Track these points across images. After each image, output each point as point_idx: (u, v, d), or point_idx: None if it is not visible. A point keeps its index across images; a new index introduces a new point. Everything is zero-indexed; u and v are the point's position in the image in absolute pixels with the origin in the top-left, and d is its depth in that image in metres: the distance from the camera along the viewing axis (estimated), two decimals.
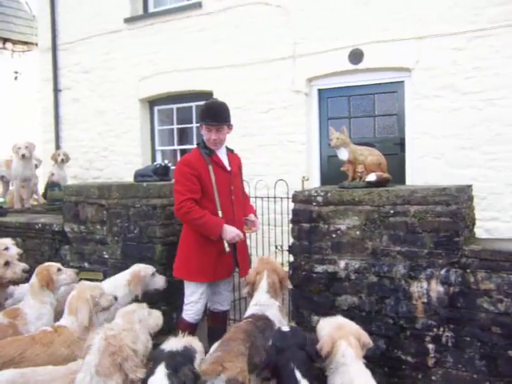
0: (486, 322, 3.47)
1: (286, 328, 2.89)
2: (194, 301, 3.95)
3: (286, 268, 3.82)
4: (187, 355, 2.53)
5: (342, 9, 6.26)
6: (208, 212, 3.79)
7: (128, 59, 8.19)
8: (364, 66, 6.21)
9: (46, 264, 4.26)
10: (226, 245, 3.82)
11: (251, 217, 4.22)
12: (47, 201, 7.63)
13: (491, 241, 4.07)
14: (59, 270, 4.21)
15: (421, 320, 3.68)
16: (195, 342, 2.73)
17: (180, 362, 2.42)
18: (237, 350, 2.91)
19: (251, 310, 3.47)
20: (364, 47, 6.16)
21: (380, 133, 6.43)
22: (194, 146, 7.69)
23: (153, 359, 2.55)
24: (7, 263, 4.27)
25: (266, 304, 3.43)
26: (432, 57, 5.75)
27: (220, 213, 3.88)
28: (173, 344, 2.60)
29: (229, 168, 4.03)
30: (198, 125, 4.06)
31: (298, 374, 2.61)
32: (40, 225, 6.17)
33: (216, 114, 3.89)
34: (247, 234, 4.26)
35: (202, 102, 7.61)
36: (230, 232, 3.78)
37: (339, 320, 3.06)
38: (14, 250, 4.53)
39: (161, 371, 2.38)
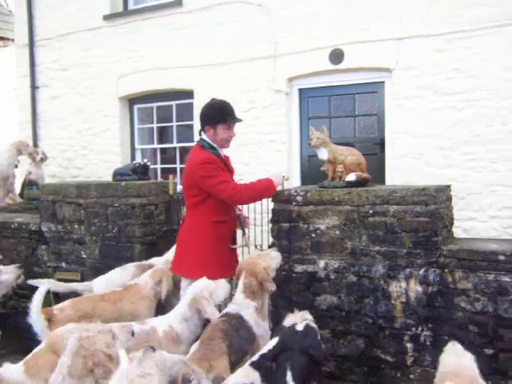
0: (463, 320, 3.51)
1: (300, 326, 2.87)
2: None
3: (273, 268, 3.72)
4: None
5: (323, 8, 6.26)
6: (253, 181, 3.89)
7: (108, 57, 8.08)
8: (344, 66, 6.21)
9: None
10: (242, 239, 4.07)
11: (243, 214, 4.26)
12: (24, 200, 7.50)
13: (469, 241, 4.11)
14: None
15: (399, 319, 3.70)
16: (309, 317, 3.10)
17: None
18: (219, 349, 2.96)
19: (227, 308, 3.47)
20: (345, 47, 6.16)
21: (360, 133, 6.44)
22: (175, 144, 7.78)
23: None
24: None
25: (241, 304, 3.41)
26: (412, 57, 5.78)
27: (231, 210, 3.96)
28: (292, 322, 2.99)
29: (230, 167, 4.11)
30: (203, 127, 4.01)
31: (288, 376, 2.63)
32: (16, 224, 6.07)
33: (234, 111, 3.99)
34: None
35: (182, 101, 7.66)
36: (276, 176, 3.96)
37: (461, 362, 2.63)
38: None
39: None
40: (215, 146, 3.94)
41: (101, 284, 4.34)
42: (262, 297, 3.52)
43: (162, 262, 4.50)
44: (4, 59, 11.99)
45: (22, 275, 4.45)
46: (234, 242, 4.10)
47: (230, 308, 3.44)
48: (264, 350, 2.87)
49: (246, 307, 3.39)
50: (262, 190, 3.87)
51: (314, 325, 2.98)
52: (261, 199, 3.97)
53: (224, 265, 3.90)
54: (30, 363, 2.75)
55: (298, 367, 2.68)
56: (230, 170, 4.09)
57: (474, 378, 2.50)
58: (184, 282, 3.95)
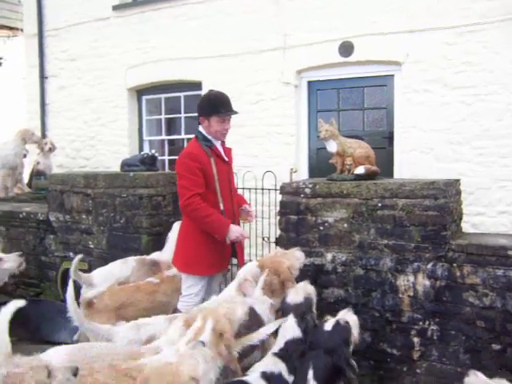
0: (471, 315, 3.50)
1: (329, 325, 2.82)
2: (194, 293, 3.86)
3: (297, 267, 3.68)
4: (308, 304, 3.11)
5: (333, 1, 6.22)
6: (215, 211, 3.75)
7: (116, 47, 8.07)
8: (354, 58, 6.17)
9: None
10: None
11: (246, 207, 4.20)
12: (32, 190, 7.54)
13: (477, 235, 4.09)
14: (0, 260, 4.29)
15: (407, 313, 3.69)
16: (310, 289, 3.23)
17: (303, 311, 3.04)
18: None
19: None
20: (354, 40, 6.12)
21: (369, 126, 6.41)
22: (183, 136, 7.78)
23: (282, 311, 3.18)
24: None
25: (258, 299, 3.39)
26: (422, 51, 5.73)
27: (221, 205, 3.85)
28: (296, 297, 3.12)
29: (226, 159, 4.01)
30: (199, 117, 3.91)
31: (309, 374, 2.63)
32: (24, 213, 6.10)
33: (229, 104, 3.89)
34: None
35: (190, 92, 7.65)
36: (235, 232, 3.75)
37: None
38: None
39: (291, 319, 2.98)
40: (210, 137, 3.88)
41: (100, 276, 4.26)
42: (280, 296, 3.44)
43: (165, 256, 4.50)
44: (13, 49, 12.02)
45: (24, 263, 4.50)
46: None
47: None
48: (283, 340, 2.92)
49: (261, 303, 3.35)
50: (211, 224, 3.70)
51: (347, 322, 2.87)
52: (204, 229, 3.76)
53: (216, 259, 3.87)
54: None
55: (321, 367, 2.66)
56: (226, 162, 4.00)
57: None
58: (182, 275, 3.97)
